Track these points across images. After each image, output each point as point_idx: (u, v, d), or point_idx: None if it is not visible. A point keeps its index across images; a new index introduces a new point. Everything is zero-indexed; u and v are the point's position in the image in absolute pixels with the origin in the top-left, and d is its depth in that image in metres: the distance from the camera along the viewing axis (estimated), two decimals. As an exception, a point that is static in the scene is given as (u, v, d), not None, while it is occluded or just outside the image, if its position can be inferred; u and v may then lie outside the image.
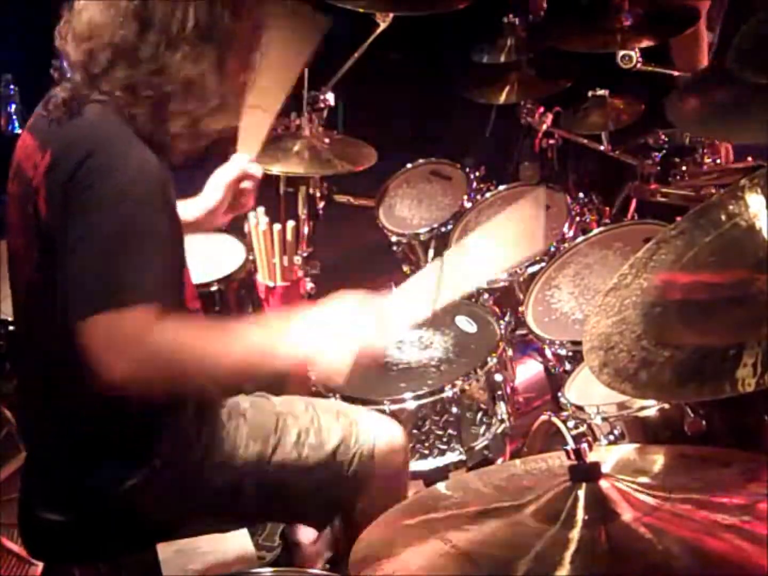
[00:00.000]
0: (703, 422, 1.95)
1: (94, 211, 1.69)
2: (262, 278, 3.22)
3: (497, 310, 2.78)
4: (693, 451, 1.59)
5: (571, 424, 2.21)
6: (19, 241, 1.87)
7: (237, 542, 2.51)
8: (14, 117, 3.44)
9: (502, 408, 2.57)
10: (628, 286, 1.70)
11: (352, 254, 4.05)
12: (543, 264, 2.87)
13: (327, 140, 3.27)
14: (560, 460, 1.52)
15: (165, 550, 2.20)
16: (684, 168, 2.97)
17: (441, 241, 3.25)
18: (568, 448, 1.40)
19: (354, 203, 3.65)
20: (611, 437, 2.14)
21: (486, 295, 2.95)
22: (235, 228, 3.07)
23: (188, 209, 2.18)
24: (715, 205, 1.75)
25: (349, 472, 2.03)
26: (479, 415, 2.53)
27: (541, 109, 3.36)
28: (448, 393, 2.46)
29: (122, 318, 1.64)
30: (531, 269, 2.90)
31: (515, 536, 1.35)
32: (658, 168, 3.00)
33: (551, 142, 3.46)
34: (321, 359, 1.77)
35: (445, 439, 2.48)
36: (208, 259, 2.95)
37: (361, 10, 3.31)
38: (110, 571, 2.02)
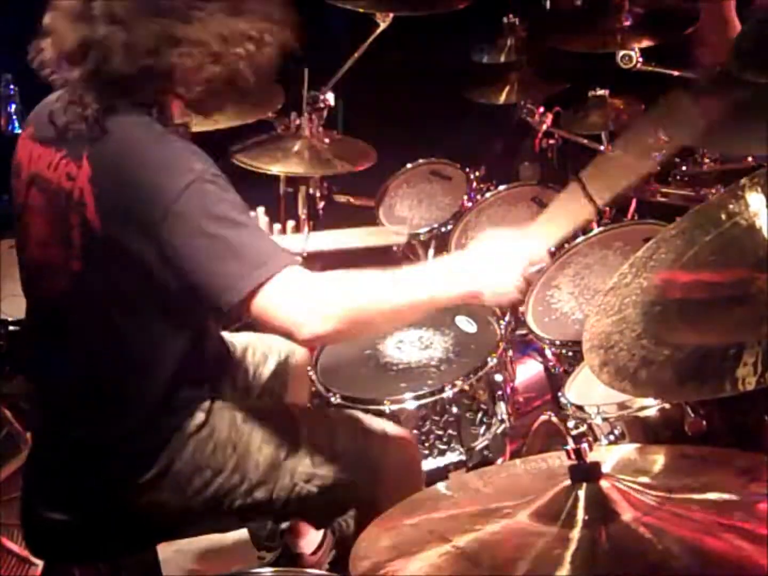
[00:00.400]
0: (703, 422, 1.95)
1: (181, 212, 1.69)
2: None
3: (497, 310, 2.77)
4: (693, 451, 1.59)
5: (571, 424, 2.21)
6: (52, 252, 1.86)
7: (237, 542, 2.51)
8: (14, 117, 3.44)
9: (502, 408, 2.57)
10: (628, 286, 1.70)
11: (352, 254, 4.04)
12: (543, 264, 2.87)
13: (327, 140, 3.27)
14: (560, 460, 1.52)
15: (165, 550, 2.20)
16: (684, 168, 2.97)
17: (441, 241, 3.25)
18: (568, 448, 1.39)
19: (354, 203, 3.65)
20: (611, 437, 2.14)
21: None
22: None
23: None
24: (715, 204, 1.75)
25: (359, 483, 2.02)
26: (479, 415, 2.53)
27: (541, 109, 3.36)
28: (448, 393, 2.45)
29: (285, 279, 1.69)
30: (531, 269, 2.90)
31: (515, 536, 1.35)
32: (658, 168, 2.99)
33: (551, 142, 3.46)
34: (489, 284, 1.84)
35: (445, 439, 2.48)
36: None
37: (361, 10, 3.31)
38: (110, 571, 2.02)
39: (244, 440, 1.97)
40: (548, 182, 3.26)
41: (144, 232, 1.72)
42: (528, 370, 2.93)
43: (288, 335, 1.74)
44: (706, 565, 1.21)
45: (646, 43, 3.05)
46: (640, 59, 3.00)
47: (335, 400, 2.45)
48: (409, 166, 3.58)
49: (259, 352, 2.31)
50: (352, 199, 3.64)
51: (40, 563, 2.40)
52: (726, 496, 1.34)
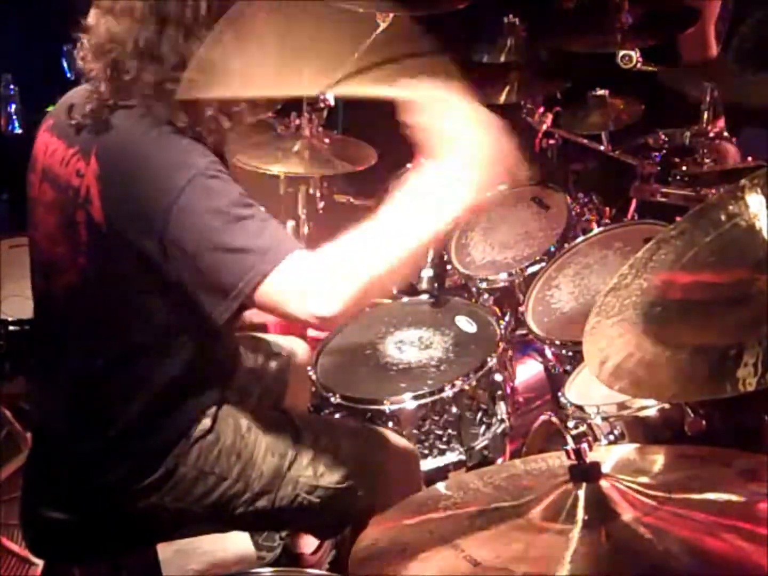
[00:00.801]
0: (703, 422, 1.95)
1: (185, 207, 1.70)
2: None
3: (497, 310, 2.78)
4: (693, 451, 1.59)
5: (571, 424, 2.21)
6: (59, 248, 1.86)
7: (237, 542, 2.52)
8: (14, 117, 3.45)
9: (502, 408, 2.56)
10: (628, 286, 1.70)
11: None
12: (543, 264, 2.87)
13: (327, 140, 3.27)
14: (560, 460, 1.52)
15: (165, 550, 2.21)
16: (684, 168, 2.97)
17: (441, 241, 3.24)
18: (568, 448, 1.40)
19: (354, 203, 3.65)
20: (611, 437, 2.14)
21: (486, 295, 2.95)
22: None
23: None
24: (715, 205, 1.75)
25: (360, 492, 2.01)
26: (479, 415, 2.53)
27: (541, 109, 3.36)
28: (448, 393, 2.45)
29: (289, 267, 1.69)
30: (531, 269, 2.90)
31: (515, 536, 1.35)
32: (658, 168, 3.00)
33: (551, 142, 3.46)
34: (472, 172, 1.81)
35: (444, 439, 2.48)
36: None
37: (361, 10, 3.31)
38: (110, 571, 2.02)
39: (249, 448, 1.96)
40: (548, 182, 3.26)
41: (148, 229, 1.72)
42: (528, 370, 2.93)
43: (298, 321, 1.74)
44: (706, 565, 1.21)
45: (646, 43, 3.05)
46: (640, 59, 3.00)
47: (335, 400, 2.45)
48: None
49: (259, 352, 2.31)
50: (352, 199, 3.64)
51: (40, 563, 2.41)
52: (726, 496, 1.34)
